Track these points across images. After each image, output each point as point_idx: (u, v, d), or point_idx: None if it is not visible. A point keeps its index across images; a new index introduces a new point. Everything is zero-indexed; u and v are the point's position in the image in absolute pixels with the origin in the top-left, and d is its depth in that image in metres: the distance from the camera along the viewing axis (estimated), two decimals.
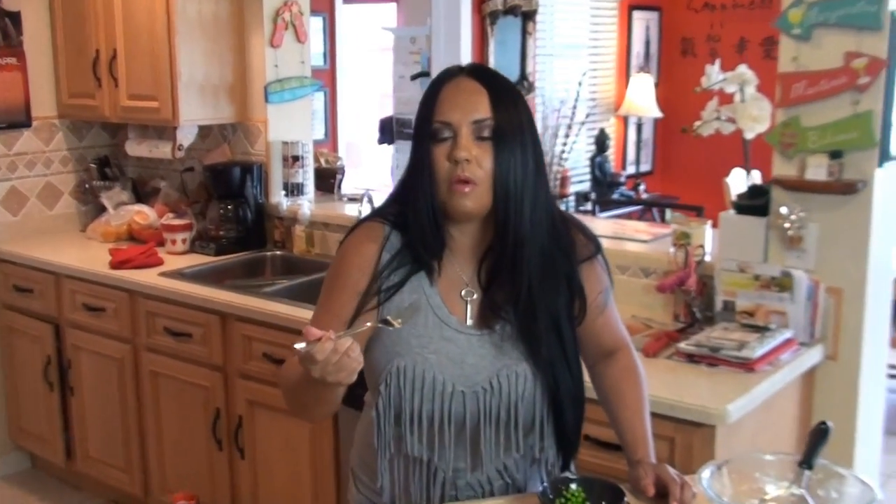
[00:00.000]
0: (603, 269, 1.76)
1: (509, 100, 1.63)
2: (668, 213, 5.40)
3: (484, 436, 1.65)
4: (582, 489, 1.58)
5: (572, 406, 1.69)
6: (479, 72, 1.65)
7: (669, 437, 2.17)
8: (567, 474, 1.70)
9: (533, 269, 1.63)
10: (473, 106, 1.60)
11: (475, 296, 1.68)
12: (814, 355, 2.55)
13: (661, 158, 6.97)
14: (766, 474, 1.64)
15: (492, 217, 1.63)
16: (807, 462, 1.59)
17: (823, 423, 1.63)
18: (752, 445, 2.35)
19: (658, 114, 6.47)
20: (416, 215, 1.63)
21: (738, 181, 5.21)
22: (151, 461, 3.53)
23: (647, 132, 6.89)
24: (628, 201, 5.96)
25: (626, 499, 1.55)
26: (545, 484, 1.61)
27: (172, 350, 3.34)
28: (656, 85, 6.63)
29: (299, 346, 1.41)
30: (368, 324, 1.56)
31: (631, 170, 6.71)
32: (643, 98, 6.45)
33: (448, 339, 1.65)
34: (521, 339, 1.66)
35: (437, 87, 1.64)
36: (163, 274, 3.44)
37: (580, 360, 1.73)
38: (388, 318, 1.53)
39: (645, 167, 6.86)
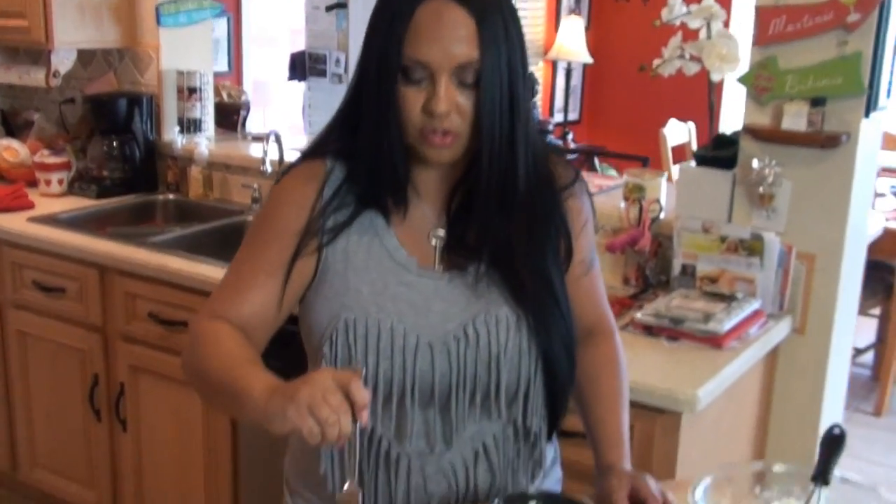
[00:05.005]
0: (585, 196, 1.45)
1: (499, 27, 1.25)
2: (597, 164, 5.08)
3: (457, 401, 1.30)
4: None
5: (566, 359, 1.36)
6: None
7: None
8: (529, 490, 1.35)
9: (514, 204, 1.32)
10: (458, 45, 1.22)
11: (443, 235, 1.36)
12: (781, 329, 2.25)
13: (590, 107, 6.63)
14: (767, 488, 1.32)
15: (466, 151, 1.30)
16: (822, 476, 1.27)
17: (837, 426, 1.32)
18: (715, 433, 2.06)
19: (588, 59, 6.12)
20: (374, 158, 1.30)
21: (676, 132, 4.96)
22: (20, 432, 3.08)
23: (576, 78, 6.53)
24: (565, 149, 5.60)
25: None
26: (498, 500, 1.26)
27: (43, 307, 2.88)
28: (587, 28, 6.28)
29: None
30: None
31: (559, 118, 6.35)
32: (574, 42, 6.08)
33: (408, 285, 1.32)
34: (501, 279, 1.33)
35: (410, 7, 1.23)
36: (33, 219, 2.96)
37: (570, 304, 1.38)
38: None
39: (573, 115, 6.51)
